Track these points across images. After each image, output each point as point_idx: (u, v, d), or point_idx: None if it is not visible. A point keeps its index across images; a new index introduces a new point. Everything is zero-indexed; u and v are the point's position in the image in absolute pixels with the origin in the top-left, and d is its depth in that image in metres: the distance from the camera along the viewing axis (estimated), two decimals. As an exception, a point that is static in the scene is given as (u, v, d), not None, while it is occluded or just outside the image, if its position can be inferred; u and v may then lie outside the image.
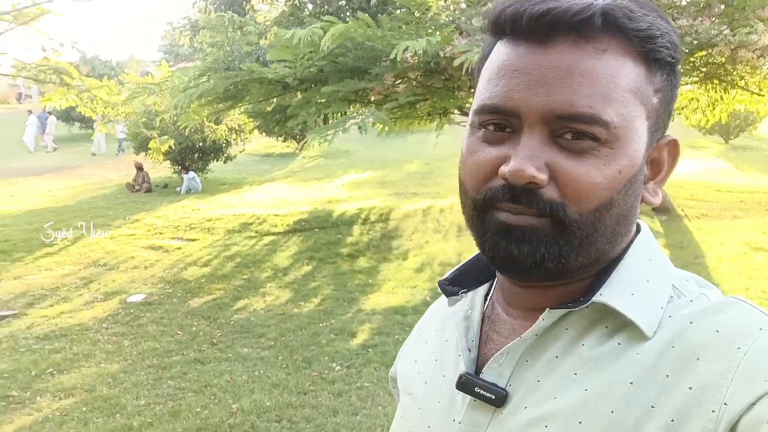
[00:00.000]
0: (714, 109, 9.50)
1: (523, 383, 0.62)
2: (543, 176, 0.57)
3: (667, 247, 8.72)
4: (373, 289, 7.45)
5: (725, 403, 0.52)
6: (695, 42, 5.78)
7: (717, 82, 8.22)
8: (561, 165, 0.58)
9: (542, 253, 0.59)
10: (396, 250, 9.22)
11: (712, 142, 21.39)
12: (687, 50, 5.81)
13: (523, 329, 0.64)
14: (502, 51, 0.62)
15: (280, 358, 5.48)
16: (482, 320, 0.71)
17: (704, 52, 6.48)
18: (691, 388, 0.54)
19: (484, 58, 0.65)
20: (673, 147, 0.66)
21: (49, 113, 22.56)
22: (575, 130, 0.57)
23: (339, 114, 7.59)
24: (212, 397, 4.70)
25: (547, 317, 0.62)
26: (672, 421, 0.54)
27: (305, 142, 5.86)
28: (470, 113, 0.64)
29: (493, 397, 0.62)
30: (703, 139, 21.10)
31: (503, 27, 0.61)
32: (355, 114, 6.20)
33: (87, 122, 21.78)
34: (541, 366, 0.62)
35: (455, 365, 0.70)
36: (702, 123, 10.70)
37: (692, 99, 10.67)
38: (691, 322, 0.58)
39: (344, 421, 4.22)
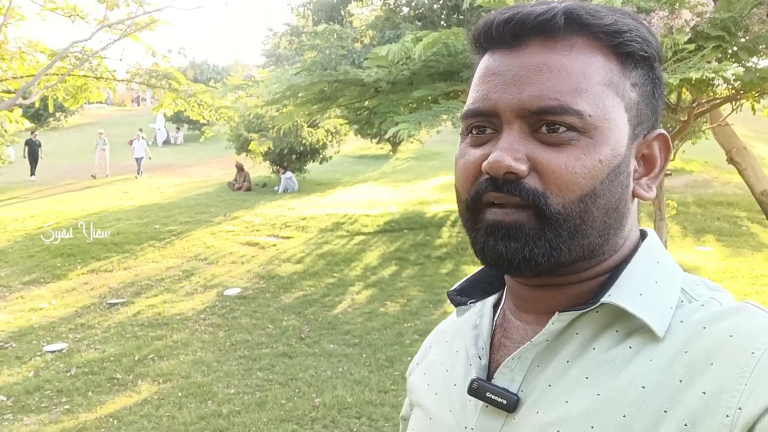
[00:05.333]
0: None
1: (534, 388, 0.62)
2: (521, 166, 0.59)
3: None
4: (460, 292, 7.41)
5: (740, 408, 0.51)
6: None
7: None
8: (541, 156, 0.59)
9: (531, 249, 0.59)
10: (485, 253, 9.12)
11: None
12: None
13: (535, 334, 0.64)
14: (482, 62, 0.66)
15: (363, 355, 5.57)
16: (494, 329, 0.71)
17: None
18: (704, 393, 0.53)
19: (473, 75, 0.68)
20: (664, 141, 0.66)
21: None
22: (549, 122, 0.59)
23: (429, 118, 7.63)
24: (297, 390, 4.85)
25: (557, 321, 0.61)
26: (685, 425, 0.53)
27: (397, 131, 5.93)
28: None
29: (504, 402, 0.62)
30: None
31: (479, 40, 0.66)
32: (446, 109, 6.21)
33: (194, 124, 22.94)
34: (552, 370, 0.62)
35: (466, 373, 0.69)
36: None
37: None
38: (704, 327, 0.58)
39: (423, 421, 4.24)
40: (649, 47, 0.63)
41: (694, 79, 4.58)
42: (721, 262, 8.41)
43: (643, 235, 0.68)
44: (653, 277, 0.63)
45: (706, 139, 12.17)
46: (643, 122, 0.64)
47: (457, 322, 0.77)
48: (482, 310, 0.73)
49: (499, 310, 0.73)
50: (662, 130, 0.66)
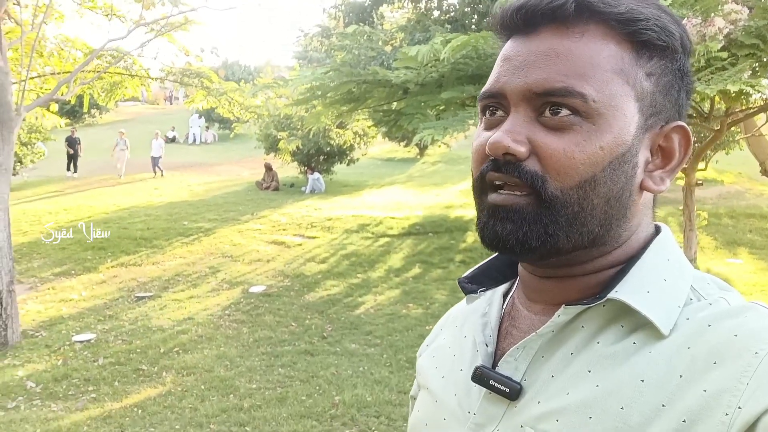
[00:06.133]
0: None
1: (537, 378, 0.63)
2: (520, 148, 0.60)
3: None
4: (483, 297, 7.40)
5: (740, 407, 0.51)
6: None
7: None
8: (542, 140, 0.60)
9: (525, 232, 0.60)
10: (510, 258, 9.07)
11: None
12: None
13: (542, 324, 0.64)
14: (502, 48, 0.67)
15: (384, 356, 5.59)
16: (502, 317, 0.72)
17: None
18: (705, 391, 0.53)
19: None
20: (684, 134, 0.65)
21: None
22: (552, 103, 0.60)
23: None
24: (317, 387, 4.89)
25: (563, 313, 0.62)
26: (684, 421, 0.53)
27: (421, 138, 5.96)
28: None
29: (507, 390, 0.63)
30: None
31: (497, 27, 0.67)
32: (473, 114, 6.21)
33: (225, 123, 23.20)
34: (556, 362, 0.62)
35: (472, 360, 0.71)
36: None
37: None
38: (709, 325, 0.57)
39: (442, 423, 4.25)
40: (669, 37, 0.62)
41: (732, 91, 4.51)
42: (752, 275, 8.23)
43: (657, 230, 0.68)
44: (662, 274, 0.62)
45: (740, 149, 11.94)
46: (660, 113, 0.63)
47: (467, 308, 0.78)
48: (492, 298, 0.74)
49: (508, 298, 0.74)
50: (682, 122, 0.65)
